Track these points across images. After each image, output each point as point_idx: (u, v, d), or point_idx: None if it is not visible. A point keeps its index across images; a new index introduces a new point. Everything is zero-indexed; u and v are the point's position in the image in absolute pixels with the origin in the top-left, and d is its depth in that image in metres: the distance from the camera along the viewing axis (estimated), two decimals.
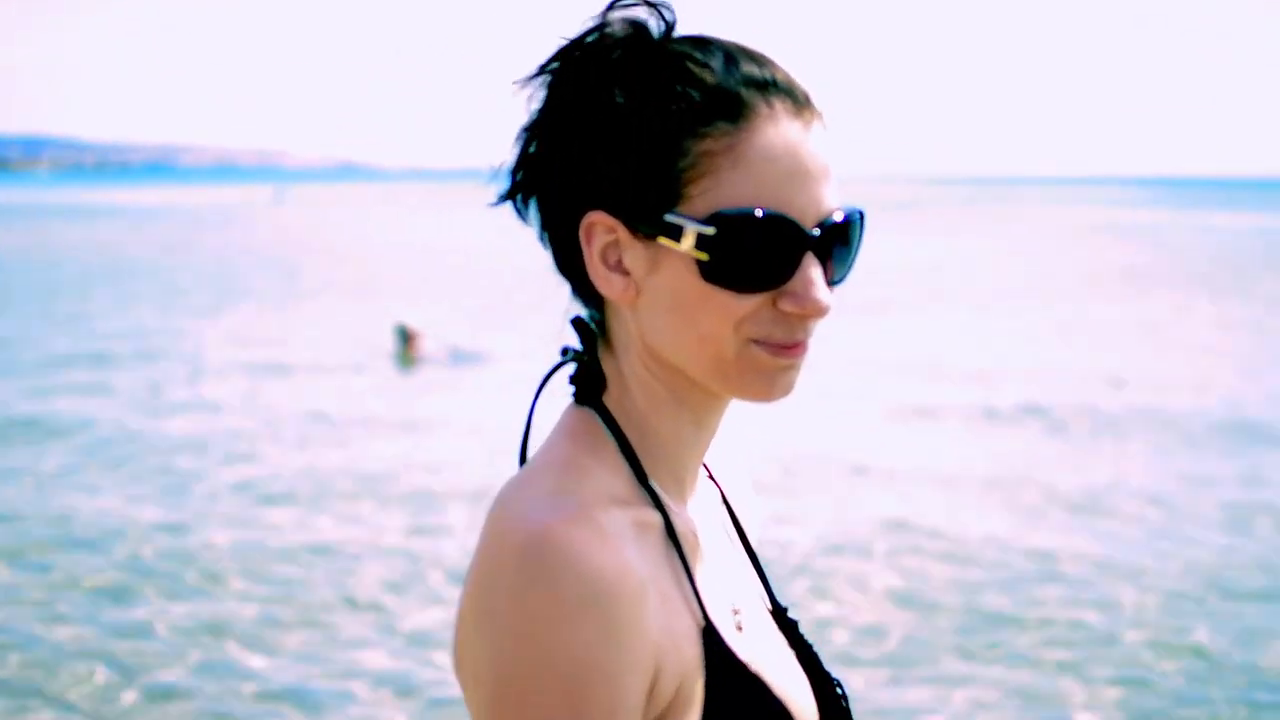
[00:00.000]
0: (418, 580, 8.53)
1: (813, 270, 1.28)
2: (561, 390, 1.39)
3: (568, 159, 1.31)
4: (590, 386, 1.35)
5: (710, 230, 1.25)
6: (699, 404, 1.35)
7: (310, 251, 42.50)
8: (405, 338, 18.30)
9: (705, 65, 1.29)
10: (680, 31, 1.34)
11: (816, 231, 1.28)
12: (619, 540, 1.22)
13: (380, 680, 6.88)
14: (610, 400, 1.35)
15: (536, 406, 1.39)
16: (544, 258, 1.37)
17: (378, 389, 15.98)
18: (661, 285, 1.28)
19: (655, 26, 1.33)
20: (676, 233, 1.26)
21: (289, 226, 63.57)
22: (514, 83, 1.33)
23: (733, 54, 1.31)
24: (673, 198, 1.27)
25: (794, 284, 1.28)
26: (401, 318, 19.00)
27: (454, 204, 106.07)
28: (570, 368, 1.39)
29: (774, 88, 1.29)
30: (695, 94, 1.27)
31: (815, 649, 1.47)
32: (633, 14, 1.32)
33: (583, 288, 1.36)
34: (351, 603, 8.14)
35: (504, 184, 1.36)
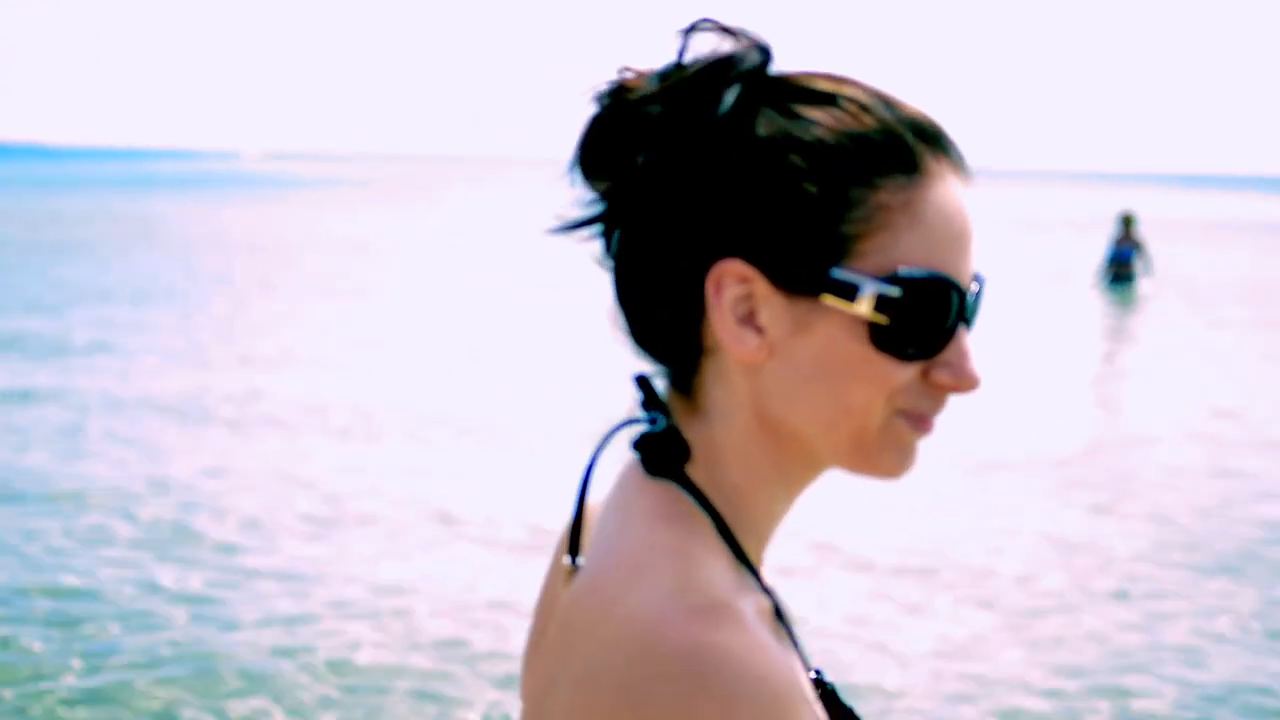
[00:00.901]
0: None
1: (966, 340, 1.20)
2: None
3: (698, 197, 1.16)
4: (674, 457, 1.20)
5: (895, 292, 1.14)
6: (799, 477, 1.23)
7: None
8: None
9: (862, 106, 1.18)
10: None
11: (971, 299, 1.21)
12: (766, 636, 1.09)
13: None
14: (696, 472, 1.21)
15: (592, 477, 1.25)
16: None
17: None
18: (807, 348, 1.16)
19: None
20: (850, 292, 1.14)
21: None
22: (630, 97, 1.19)
23: (882, 95, 1.20)
24: (839, 253, 1.15)
25: (949, 354, 1.19)
26: None
27: None
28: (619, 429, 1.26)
29: (938, 140, 1.19)
30: (866, 137, 1.16)
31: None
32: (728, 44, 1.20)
33: (664, 340, 1.22)
34: None
35: (584, 208, 1.23)
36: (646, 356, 1.24)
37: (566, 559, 1.23)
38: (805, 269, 1.14)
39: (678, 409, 1.23)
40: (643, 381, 1.24)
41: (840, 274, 1.14)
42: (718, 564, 1.14)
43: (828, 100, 1.17)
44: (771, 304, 1.16)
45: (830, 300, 1.14)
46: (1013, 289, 24.47)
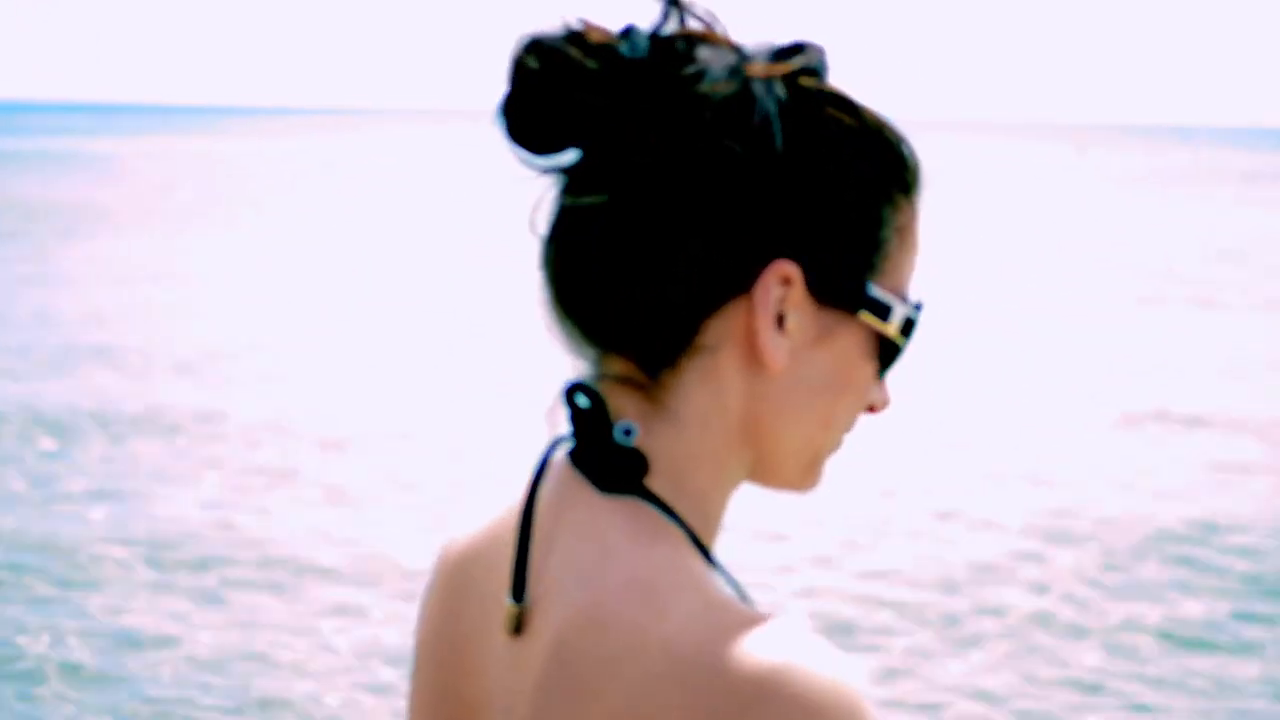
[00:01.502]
0: None
1: None
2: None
3: (760, 191, 1.11)
4: (636, 471, 1.12)
5: (915, 316, 1.18)
6: (741, 481, 1.21)
7: None
8: None
9: (877, 119, 1.16)
10: None
11: None
12: (819, 639, 1.05)
13: None
14: (656, 482, 1.13)
15: (538, 500, 1.15)
16: None
17: None
18: (823, 360, 1.15)
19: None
20: (884, 312, 1.15)
21: None
22: (705, 83, 1.11)
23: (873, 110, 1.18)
24: (869, 268, 1.15)
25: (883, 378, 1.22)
26: None
27: None
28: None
29: (919, 165, 1.20)
30: (890, 153, 1.16)
31: None
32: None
33: (649, 331, 1.12)
34: None
35: (617, 181, 1.10)
36: (598, 347, 1.14)
37: (508, 600, 1.12)
38: (850, 281, 1.14)
39: (630, 411, 1.14)
40: (585, 391, 1.13)
41: (876, 292, 1.14)
42: (712, 575, 1.10)
43: (850, 108, 1.15)
44: (802, 311, 1.13)
45: (866, 317, 1.14)
46: None
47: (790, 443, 1.17)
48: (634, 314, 1.11)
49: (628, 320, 1.11)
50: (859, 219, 1.13)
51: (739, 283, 1.11)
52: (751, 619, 1.03)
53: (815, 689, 0.99)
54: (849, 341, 1.15)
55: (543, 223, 1.14)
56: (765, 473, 1.19)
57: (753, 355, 1.13)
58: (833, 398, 1.16)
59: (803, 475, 1.20)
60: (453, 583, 1.23)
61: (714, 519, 1.17)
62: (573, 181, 1.12)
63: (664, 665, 1.01)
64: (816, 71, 1.15)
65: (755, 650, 1.00)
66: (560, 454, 1.16)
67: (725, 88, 1.10)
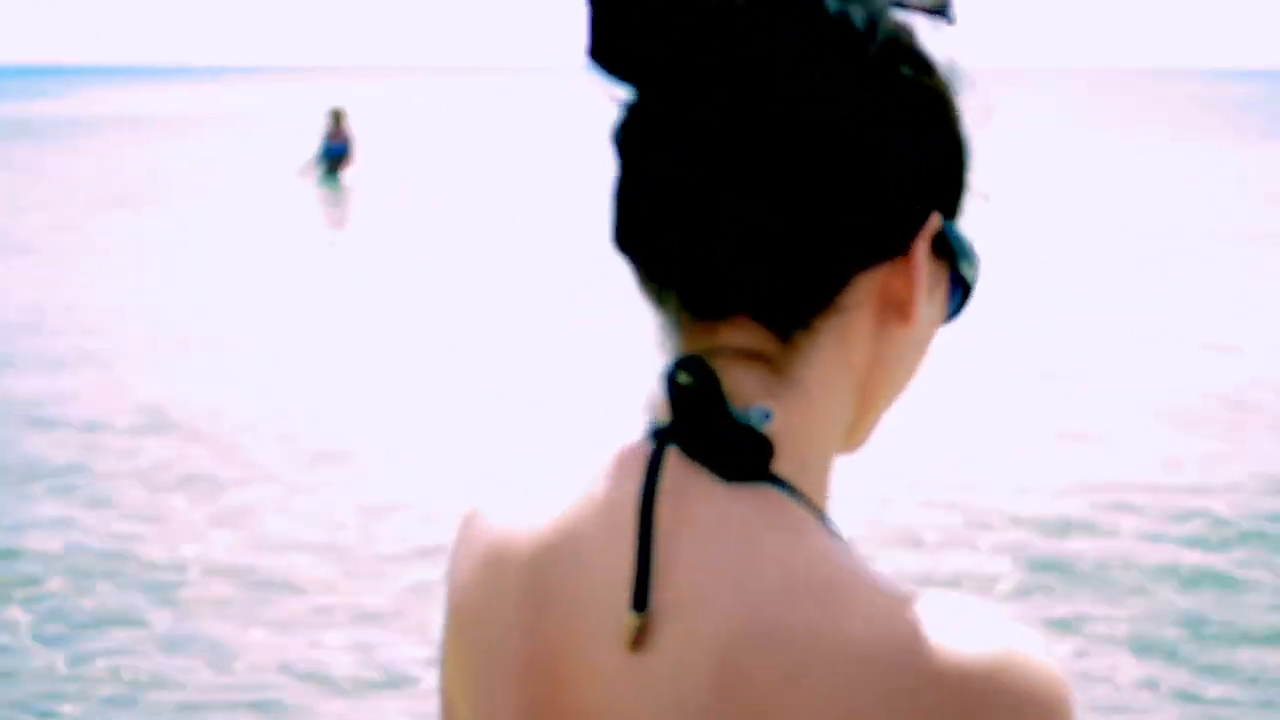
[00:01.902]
0: None
1: None
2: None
3: (929, 131, 1.04)
4: (763, 454, 1.01)
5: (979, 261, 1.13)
6: None
7: None
8: None
9: None
10: None
11: None
12: (1005, 616, 1.00)
13: None
14: (783, 464, 1.03)
15: (656, 505, 1.01)
16: None
17: None
18: (929, 314, 1.10)
19: None
20: (971, 256, 1.09)
21: None
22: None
23: None
24: (957, 214, 1.09)
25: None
26: None
27: None
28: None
29: None
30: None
31: None
32: None
33: (788, 294, 1.02)
34: None
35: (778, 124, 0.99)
36: (710, 314, 1.04)
37: (629, 610, 1.01)
38: (958, 229, 1.08)
39: (749, 385, 1.04)
40: (696, 368, 1.02)
41: (963, 239, 1.09)
42: (861, 558, 1.02)
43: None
44: (927, 262, 1.07)
45: (964, 266, 1.09)
46: None
47: (885, 402, 1.11)
48: (779, 268, 1.00)
49: (770, 275, 1.01)
50: (966, 163, 1.09)
51: (904, 235, 1.03)
52: (939, 605, 0.95)
53: (1041, 677, 0.93)
54: (942, 292, 1.10)
55: (634, 169, 1.02)
56: (850, 436, 1.11)
57: (883, 314, 1.05)
58: (924, 350, 1.11)
59: (870, 435, 1.15)
60: (530, 587, 1.08)
61: (827, 491, 1.09)
62: (706, 117, 1.00)
63: (856, 671, 0.92)
64: (944, 11, 1.08)
65: (965, 643, 0.92)
66: (655, 442, 1.04)
67: (888, 23, 1.03)
